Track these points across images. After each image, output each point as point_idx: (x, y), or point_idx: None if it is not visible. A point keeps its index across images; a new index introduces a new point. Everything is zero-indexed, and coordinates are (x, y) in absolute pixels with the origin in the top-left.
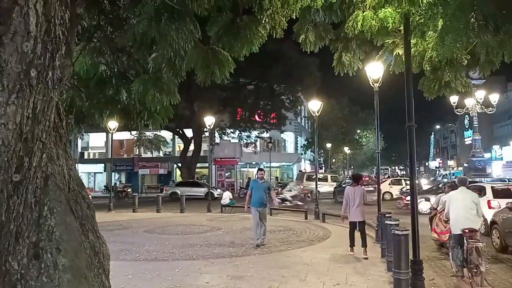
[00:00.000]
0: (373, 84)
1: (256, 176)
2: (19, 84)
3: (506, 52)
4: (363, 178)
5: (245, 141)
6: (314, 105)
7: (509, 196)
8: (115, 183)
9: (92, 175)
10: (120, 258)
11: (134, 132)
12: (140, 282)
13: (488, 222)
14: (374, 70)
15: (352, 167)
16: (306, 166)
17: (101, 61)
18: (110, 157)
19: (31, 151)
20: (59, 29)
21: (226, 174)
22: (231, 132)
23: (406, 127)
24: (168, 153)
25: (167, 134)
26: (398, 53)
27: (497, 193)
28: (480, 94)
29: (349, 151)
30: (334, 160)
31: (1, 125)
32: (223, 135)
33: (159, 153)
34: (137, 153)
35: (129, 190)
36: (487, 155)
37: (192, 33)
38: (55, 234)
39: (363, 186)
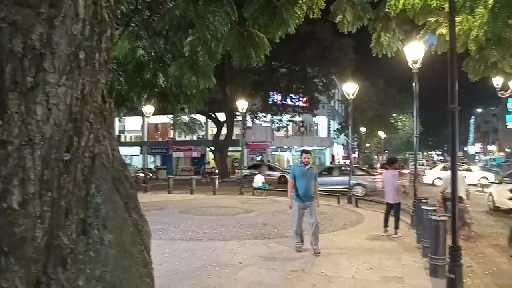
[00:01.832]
0: (413, 65)
1: (300, 160)
2: (69, 66)
3: None
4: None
5: (277, 125)
6: (349, 88)
7: None
8: (204, 164)
9: (129, 158)
10: (157, 237)
11: (170, 116)
12: (176, 260)
13: None
14: (414, 51)
15: (387, 151)
16: (339, 151)
17: (139, 45)
18: (145, 140)
19: (80, 131)
20: (105, 12)
21: (258, 157)
22: (263, 115)
23: (448, 109)
24: (201, 137)
25: (200, 118)
26: (442, 32)
27: None
28: None
29: (384, 135)
30: (368, 145)
31: (52, 105)
32: (255, 119)
33: (192, 136)
34: (172, 136)
35: (216, 170)
36: None
37: (229, 15)
38: (101, 211)
39: (392, 170)
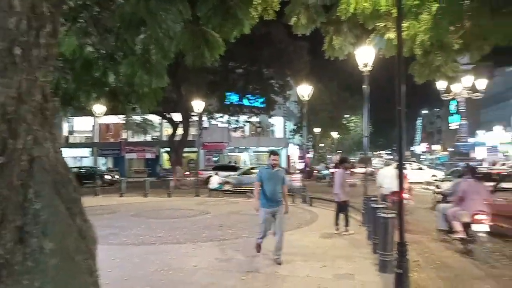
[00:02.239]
0: (363, 69)
1: (269, 162)
2: (3, 63)
3: (499, 36)
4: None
5: (233, 125)
6: (304, 90)
7: (489, 180)
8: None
9: (79, 160)
10: (107, 242)
11: (121, 116)
12: (128, 266)
13: None
14: (365, 54)
15: (340, 151)
16: (294, 151)
17: (87, 42)
18: (96, 141)
19: (15, 132)
20: (45, 5)
21: (214, 158)
22: (219, 116)
23: (395, 111)
24: (155, 138)
25: (154, 118)
26: (390, 37)
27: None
28: (468, 79)
29: (338, 135)
30: (322, 145)
31: None
32: (212, 120)
33: (146, 137)
34: (124, 137)
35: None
36: (472, 140)
37: (182, 13)
38: (41, 217)
39: (343, 169)
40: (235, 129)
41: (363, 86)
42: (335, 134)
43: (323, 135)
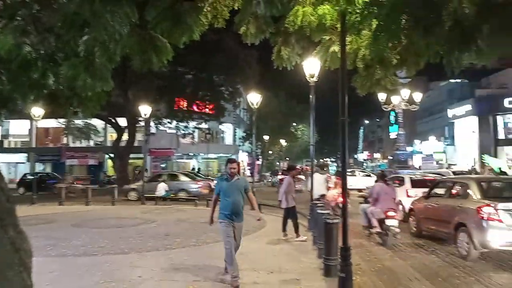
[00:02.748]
0: (310, 79)
1: (226, 170)
2: None
3: (431, 54)
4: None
5: (182, 131)
6: (254, 98)
7: (425, 186)
8: (139, 171)
9: (13, 166)
10: (44, 254)
11: (62, 120)
12: (67, 279)
13: (406, 209)
14: (311, 66)
15: (287, 158)
16: (244, 158)
17: (25, 41)
18: (34, 146)
19: None
20: None
21: (162, 165)
22: (168, 122)
23: (339, 121)
24: (99, 143)
25: (98, 123)
26: (334, 50)
27: (415, 183)
28: (405, 92)
29: (285, 143)
30: (271, 152)
31: None
32: (159, 125)
33: (89, 142)
34: (65, 142)
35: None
36: (409, 149)
37: (128, 16)
38: None
39: (290, 177)
40: (184, 135)
41: (310, 96)
42: (283, 142)
43: (272, 142)
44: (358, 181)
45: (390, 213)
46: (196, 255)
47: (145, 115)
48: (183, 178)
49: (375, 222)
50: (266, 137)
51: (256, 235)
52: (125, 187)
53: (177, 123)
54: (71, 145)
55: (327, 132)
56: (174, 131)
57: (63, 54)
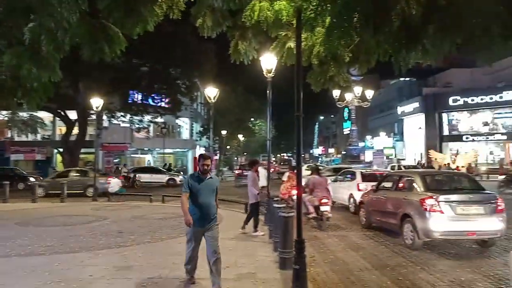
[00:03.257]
0: (267, 75)
1: (198, 167)
2: None
3: (381, 52)
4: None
5: (137, 125)
6: (211, 92)
7: (374, 180)
8: (117, 167)
9: None
10: None
11: (5, 112)
12: (11, 280)
13: (357, 202)
14: (268, 61)
15: (245, 153)
16: (201, 153)
17: None
18: None
19: None
20: None
21: (115, 160)
22: (121, 115)
23: (295, 117)
24: (47, 137)
25: (46, 115)
26: (290, 46)
27: (365, 177)
28: (358, 89)
29: (243, 138)
30: (228, 147)
31: None
32: (112, 119)
33: (36, 136)
34: (9, 136)
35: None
36: (361, 144)
37: (78, 3)
38: None
39: (253, 172)
40: (139, 130)
41: (267, 92)
42: (241, 137)
43: (230, 137)
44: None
45: (324, 201)
46: (150, 252)
47: (97, 108)
48: (91, 174)
49: (311, 209)
50: (224, 132)
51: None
52: (32, 183)
53: (131, 117)
54: (16, 139)
55: (283, 127)
56: (128, 125)
57: (6, 42)
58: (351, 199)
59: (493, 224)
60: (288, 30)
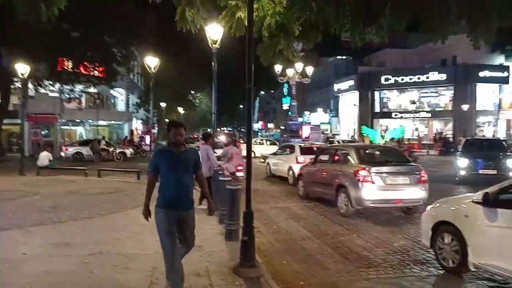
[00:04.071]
0: (212, 46)
1: (170, 138)
2: None
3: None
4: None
5: (67, 95)
6: (151, 61)
7: (312, 153)
8: (95, 139)
9: None
10: None
11: None
12: None
13: (296, 174)
14: (214, 32)
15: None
16: (138, 126)
17: None
18: None
19: None
20: None
21: (43, 132)
22: (50, 84)
23: (246, 88)
24: None
25: None
26: (240, 16)
27: (303, 151)
28: (299, 65)
29: (183, 111)
30: (167, 120)
31: None
32: (40, 88)
33: None
34: None
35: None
36: (299, 120)
37: None
38: None
39: (208, 145)
40: (70, 100)
41: (211, 63)
42: (181, 110)
43: (169, 110)
44: (267, 149)
45: (239, 168)
46: (89, 228)
47: (22, 75)
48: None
49: (228, 174)
50: (163, 104)
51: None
52: None
53: (61, 86)
54: None
55: (225, 101)
56: (57, 94)
57: None
58: (290, 172)
59: (417, 193)
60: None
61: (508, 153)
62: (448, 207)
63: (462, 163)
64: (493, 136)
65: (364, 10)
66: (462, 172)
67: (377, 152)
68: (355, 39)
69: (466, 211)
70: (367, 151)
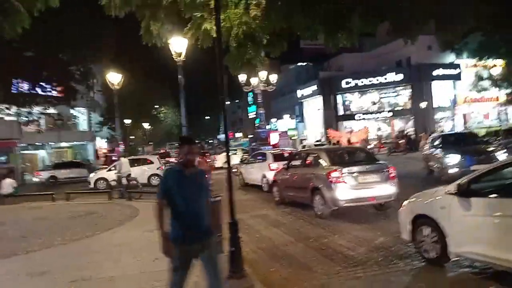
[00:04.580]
0: (176, 58)
1: (180, 157)
2: None
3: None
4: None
5: (25, 118)
6: (114, 77)
7: (284, 159)
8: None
9: None
10: None
11: None
12: None
13: (270, 181)
14: (178, 44)
15: (151, 143)
16: (102, 145)
17: None
18: None
19: None
20: None
21: (1, 158)
22: (5, 107)
23: (219, 99)
24: None
25: None
26: (207, 27)
27: (275, 158)
28: (263, 73)
29: (149, 126)
30: (133, 137)
31: None
32: None
33: None
34: None
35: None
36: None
37: None
38: None
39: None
40: (27, 123)
41: (178, 76)
42: (146, 125)
43: (134, 126)
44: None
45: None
46: (66, 254)
47: None
48: None
49: None
50: (127, 121)
51: (131, 224)
52: None
53: (18, 109)
54: None
55: (190, 114)
56: (14, 118)
57: None
58: (264, 179)
59: (387, 189)
60: (204, 11)
61: (488, 144)
62: (424, 201)
63: (453, 159)
64: (452, 130)
65: (335, 15)
66: (452, 170)
67: (347, 153)
68: (329, 45)
69: (441, 203)
70: (337, 153)
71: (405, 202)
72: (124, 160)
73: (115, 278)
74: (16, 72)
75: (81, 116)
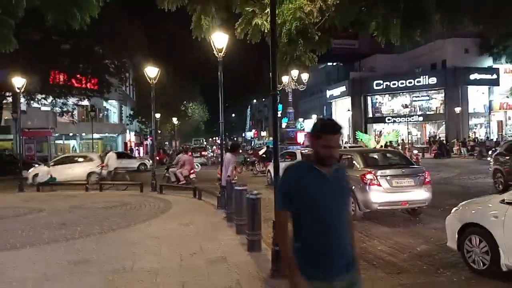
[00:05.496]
0: (218, 54)
1: (315, 151)
2: None
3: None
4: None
5: (59, 109)
6: (151, 71)
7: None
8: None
9: None
10: None
11: None
12: None
13: None
14: (219, 40)
15: (177, 138)
16: (131, 138)
17: None
18: None
19: None
20: None
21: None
22: (42, 98)
23: (271, 95)
24: None
25: None
26: (257, 22)
27: (305, 157)
28: (294, 72)
29: (178, 122)
30: (160, 132)
31: None
32: (32, 101)
33: None
34: None
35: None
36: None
37: None
38: None
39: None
40: (62, 114)
41: (218, 72)
42: (175, 120)
43: (163, 121)
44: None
45: (192, 171)
46: (105, 243)
47: (18, 88)
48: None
49: (181, 178)
50: (157, 115)
51: (165, 217)
52: None
53: (54, 100)
54: None
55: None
56: (49, 108)
57: None
58: None
59: (421, 194)
60: (255, 6)
61: None
62: (473, 209)
63: None
64: (487, 137)
65: (412, 13)
66: None
67: (381, 156)
68: (404, 41)
69: (495, 212)
70: (371, 155)
71: (453, 210)
72: (112, 154)
73: (154, 270)
74: (54, 63)
75: (112, 109)
